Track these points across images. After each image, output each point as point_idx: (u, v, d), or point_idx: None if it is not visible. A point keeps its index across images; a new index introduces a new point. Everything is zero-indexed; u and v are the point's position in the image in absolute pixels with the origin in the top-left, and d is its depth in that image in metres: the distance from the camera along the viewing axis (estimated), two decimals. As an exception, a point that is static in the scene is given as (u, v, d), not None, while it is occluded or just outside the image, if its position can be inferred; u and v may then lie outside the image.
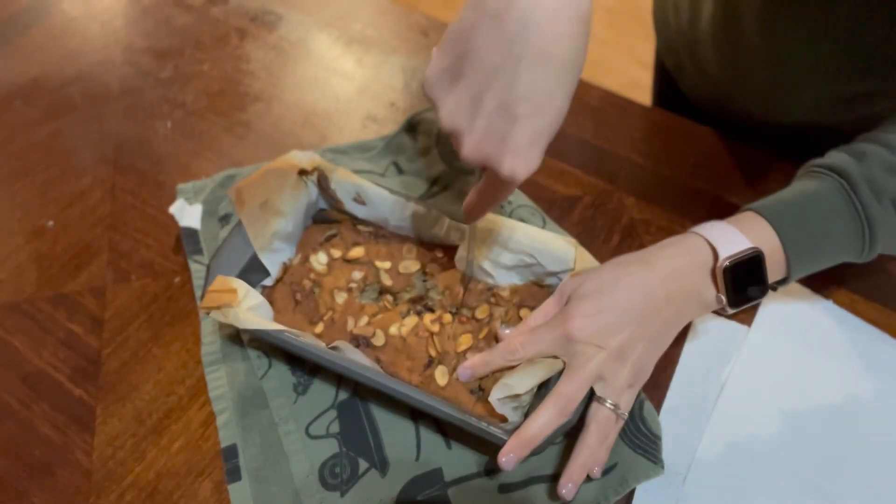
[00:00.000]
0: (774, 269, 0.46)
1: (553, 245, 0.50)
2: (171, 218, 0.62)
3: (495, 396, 0.44)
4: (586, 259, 0.50)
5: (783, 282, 0.48)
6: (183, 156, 0.68)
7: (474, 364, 0.47)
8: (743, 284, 0.45)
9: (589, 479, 0.45)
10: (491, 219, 0.51)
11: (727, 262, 0.44)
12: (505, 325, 0.50)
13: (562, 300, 0.47)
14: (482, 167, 0.40)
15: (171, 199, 0.63)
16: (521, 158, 0.36)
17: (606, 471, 0.46)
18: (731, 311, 0.47)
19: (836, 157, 0.48)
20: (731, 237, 0.45)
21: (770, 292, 0.55)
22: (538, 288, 0.52)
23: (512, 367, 0.46)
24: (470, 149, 0.37)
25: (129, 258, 0.60)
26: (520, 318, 0.51)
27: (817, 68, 0.56)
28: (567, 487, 0.42)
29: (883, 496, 0.46)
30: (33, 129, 0.71)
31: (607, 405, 0.43)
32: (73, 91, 0.74)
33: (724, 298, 0.45)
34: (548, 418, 0.42)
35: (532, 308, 0.51)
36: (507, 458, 0.41)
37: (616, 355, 0.43)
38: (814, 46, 0.55)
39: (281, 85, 0.74)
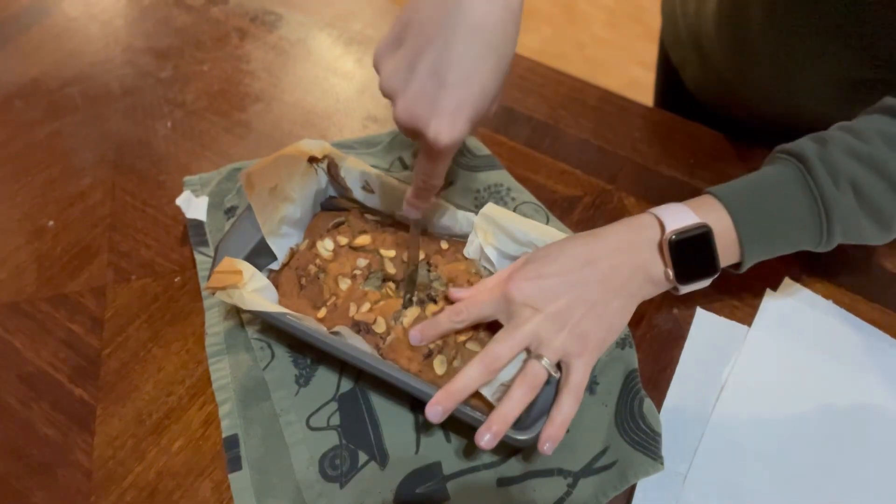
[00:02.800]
0: (727, 250, 0.46)
1: (556, 239, 0.50)
2: (172, 218, 0.62)
3: (487, 393, 0.45)
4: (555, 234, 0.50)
5: (738, 266, 0.48)
6: (183, 156, 0.68)
7: (423, 327, 0.47)
8: (691, 262, 0.45)
9: (591, 473, 0.45)
10: (499, 210, 0.52)
11: (673, 236, 0.45)
12: (455, 287, 0.50)
13: (515, 267, 0.47)
14: (412, 135, 0.42)
15: (172, 199, 0.63)
16: (445, 123, 0.39)
17: (605, 467, 0.46)
18: (682, 290, 0.47)
19: (800, 142, 0.48)
20: (680, 215, 0.46)
21: (770, 292, 0.55)
22: None
23: (459, 331, 0.48)
24: (401, 110, 0.40)
25: (129, 258, 0.60)
26: None
27: (819, 53, 0.56)
28: (485, 438, 0.42)
29: (883, 496, 0.46)
30: (33, 129, 0.71)
31: (543, 363, 0.43)
32: (73, 91, 0.74)
33: (670, 273, 0.45)
34: (474, 373, 0.43)
35: None
36: (434, 409, 0.42)
37: (553, 318, 0.44)
38: (815, 31, 0.55)
39: (281, 85, 0.74)
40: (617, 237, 0.46)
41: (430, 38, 0.38)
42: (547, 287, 0.44)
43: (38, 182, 0.66)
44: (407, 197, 0.48)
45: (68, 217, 0.63)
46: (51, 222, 0.63)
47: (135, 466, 0.49)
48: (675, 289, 0.47)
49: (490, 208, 0.52)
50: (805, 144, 0.47)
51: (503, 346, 0.44)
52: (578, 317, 0.44)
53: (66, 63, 0.77)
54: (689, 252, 0.45)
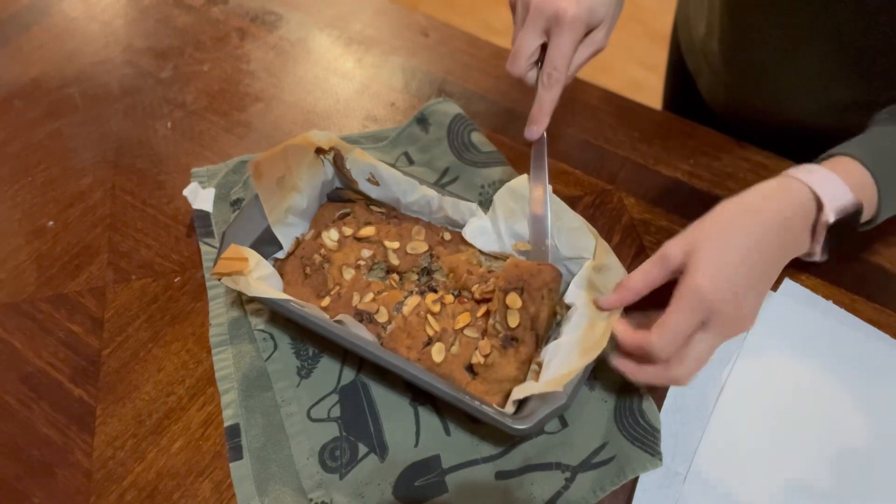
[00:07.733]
0: (865, 214, 0.46)
1: (575, 229, 0.50)
2: (172, 218, 0.62)
3: (519, 395, 0.44)
4: (605, 249, 0.49)
5: (866, 225, 0.48)
6: (183, 156, 0.68)
7: (629, 371, 0.45)
8: (835, 235, 0.45)
9: (589, 467, 0.45)
10: (517, 187, 0.51)
11: (831, 217, 0.44)
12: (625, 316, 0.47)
13: (666, 265, 0.44)
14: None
15: (172, 200, 0.64)
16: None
17: (604, 462, 0.46)
18: (818, 260, 0.47)
19: None
20: (835, 189, 0.44)
21: (770, 292, 0.55)
22: None
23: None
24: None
25: (129, 258, 0.60)
26: None
27: (815, 74, 0.57)
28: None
29: (883, 496, 0.46)
30: (33, 129, 0.71)
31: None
32: (73, 91, 0.74)
33: (817, 249, 0.45)
34: (690, 369, 0.43)
35: None
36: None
37: (739, 317, 0.43)
38: (809, 52, 0.56)
39: (281, 85, 0.74)
40: (778, 213, 0.44)
41: None
42: (742, 298, 0.42)
43: (38, 182, 0.66)
44: (530, 115, 0.51)
45: (68, 217, 0.63)
46: (51, 222, 0.63)
47: (135, 466, 0.49)
48: (808, 256, 0.47)
49: (520, 181, 0.51)
50: None
51: (710, 345, 0.43)
52: (753, 304, 0.44)
53: (66, 63, 0.77)
54: (838, 228, 0.44)
